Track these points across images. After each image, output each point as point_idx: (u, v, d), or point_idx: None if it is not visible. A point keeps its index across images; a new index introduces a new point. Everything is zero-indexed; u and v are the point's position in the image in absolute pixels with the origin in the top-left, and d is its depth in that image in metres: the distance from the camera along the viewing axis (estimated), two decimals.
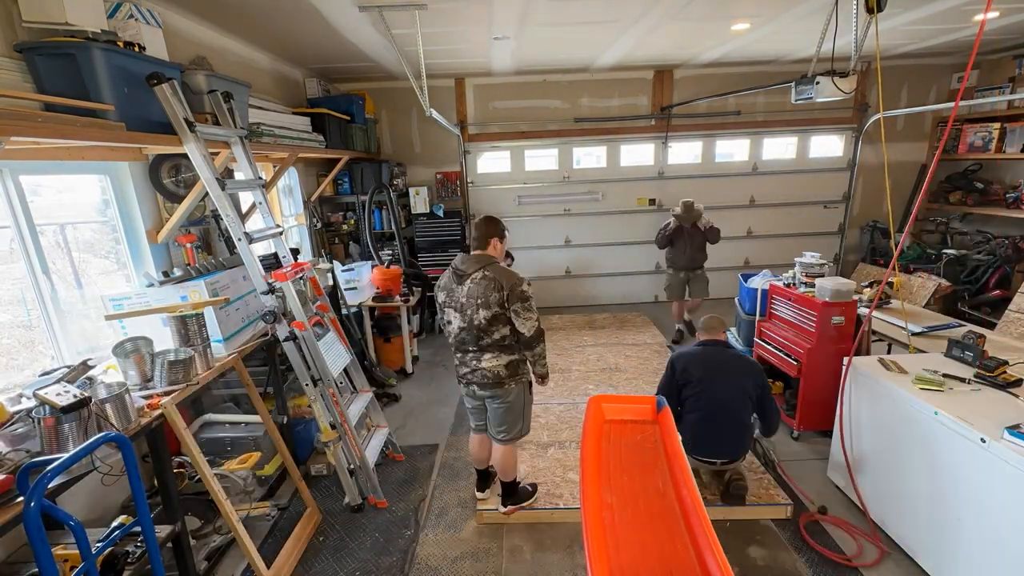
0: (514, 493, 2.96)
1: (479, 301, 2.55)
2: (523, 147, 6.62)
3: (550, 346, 5.52)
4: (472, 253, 2.67)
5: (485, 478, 3.09)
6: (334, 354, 3.14)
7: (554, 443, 3.63)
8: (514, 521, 2.93)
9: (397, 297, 4.87)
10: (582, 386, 4.52)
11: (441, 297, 2.71)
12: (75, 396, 1.79)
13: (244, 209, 3.58)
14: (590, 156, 6.82)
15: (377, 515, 3.06)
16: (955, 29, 4.68)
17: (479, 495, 3.07)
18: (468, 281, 2.58)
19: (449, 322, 2.69)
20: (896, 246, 3.11)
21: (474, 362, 2.67)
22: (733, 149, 6.80)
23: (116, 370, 2.35)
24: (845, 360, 2.91)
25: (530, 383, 2.82)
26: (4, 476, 1.57)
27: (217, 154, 3.01)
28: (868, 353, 3.34)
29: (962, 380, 2.52)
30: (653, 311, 6.74)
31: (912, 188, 6.76)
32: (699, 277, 5.46)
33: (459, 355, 2.73)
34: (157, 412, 2.13)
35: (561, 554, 2.68)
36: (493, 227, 2.70)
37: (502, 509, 2.94)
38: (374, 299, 4.88)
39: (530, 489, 3.04)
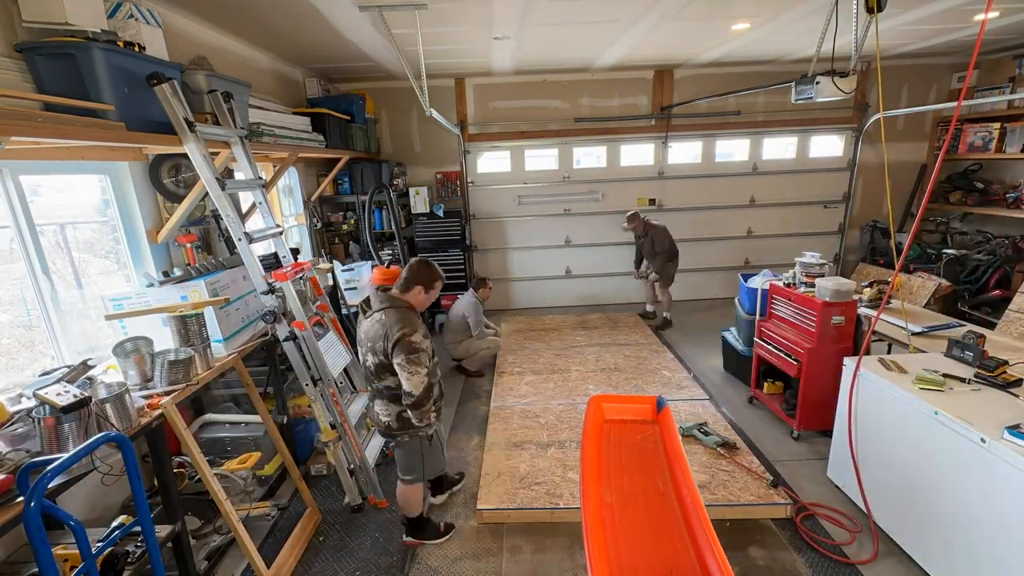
0: (418, 528, 2.79)
1: (369, 344, 2.43)
2: (523, 147, 6.63)
3: (544, 346, 5.54)
4: (391, 291, 2.53)
5: (439, 482, 3.11)
6: (334, 354, 3.14)
7: (554, 443, 3.63)
8: (514, 521, 2.93)
9: None
10: (582, 386, 4.52)
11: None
12: (75, 396, 1.79)
13: (244, 209, 3.58)
14: (590, 156, 6.82)
15: (377, 515, 3.06)
16: (955, 29, 4.67)
17: (431, 499, 3.10)
18: (368, 318, 2.47)
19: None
20: (896, 245, 3.10)
21: (371, 404, 2.59)
22: (733, 149, 6.80)
23: (116, 370, 2.35)
24: (849, 361, 2.91)
25: (430, 437, 2.60)
26: (4, 476, 1.57)
27: (217, 154, 3.01)
28: (868, 353, 3.33)
29: (962, 380, 2.52)
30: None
31: (912, 188, 6.76)
32: (655, 266, 6.01)
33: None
34: (157, 412, 2.13)
35: (561, 554, 2.68)
36: (424, 273, 2.52)
37: (403, 539, 2.81)
38: None
39: (442, 529, 2.84)
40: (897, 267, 2.75)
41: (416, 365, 2.33)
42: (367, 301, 2.53)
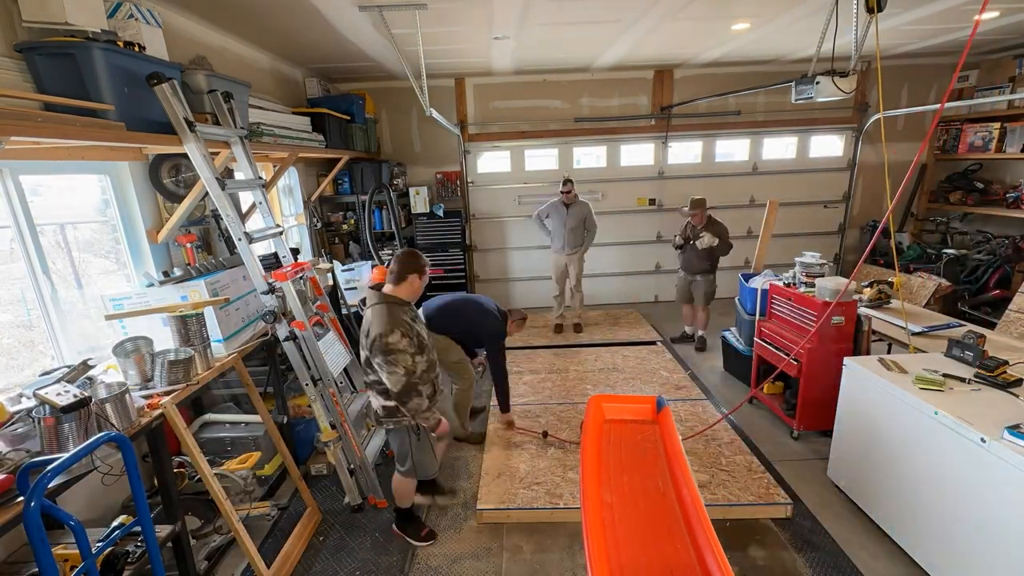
0: (403, 520, 2.85)
1: (362, 339, 2.51)
2: (523, 147, 6.62)
3: (543, 345, 5.52)
4: (383, 287, 2.58)
5: (430, 484, 3.02)
6: (334, 354, 3.14)
7: (554, 443, 3.63)
8: (514, 521, 2.93)
9: None
10: (580, 386, 4.52)
11: None
12: (75, 396, 1.79)
13: (244, 209, 3.58)
14: (590, 156, 6.82)
15: (377, 515, 3.06)
16: (955, 29, 4.67)
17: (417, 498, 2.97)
18: (367, 311, 2.53)
19: None
20: (895, 245, 3.10)
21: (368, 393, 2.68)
22: (733, 149, 6.80)
23: (116, 370, 2.35)
24: (849, 361, 2.91)
25: (417, 427, 2.60)
26: (4, 476, 1.57)
27: (217, 154, 3.01)
28: (868, 353, 3.33)
29: (962, 380, 2.52)
30: (653, 311, 6.75)
31: (913, 188, 6.76)
32: (699, 284, 5.24)
33: None
34: (157, 412, 2.13)
35: (561, 554, 2.68)
36: (417, 261, 2.59)
37: (392, 525, 2.89)
38: None
39: (423, 534, 2.82)
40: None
41: (393, 365, 2.38)
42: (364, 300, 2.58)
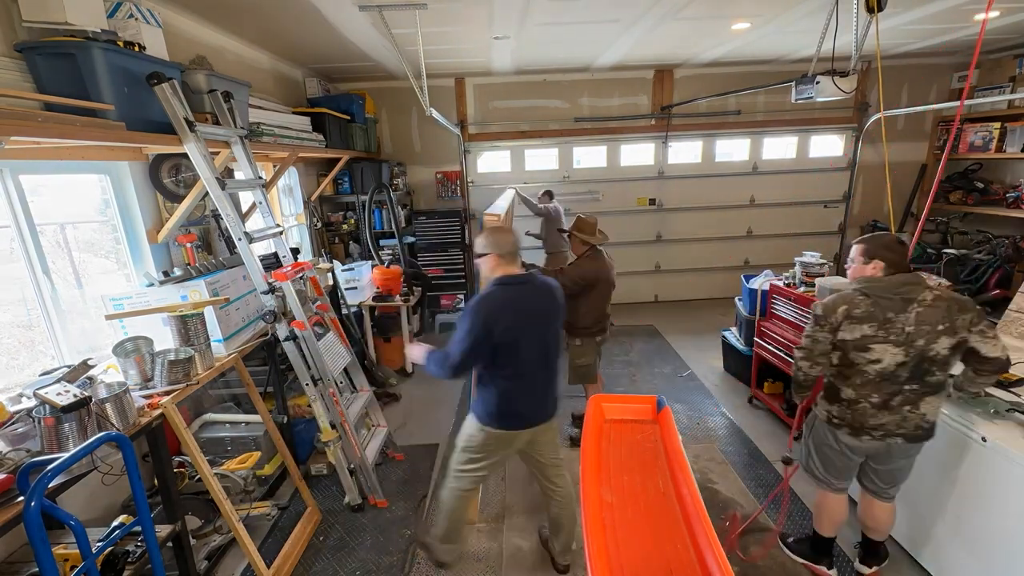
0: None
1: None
2: (523, 147, 6.62)
3: None
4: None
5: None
6: (334, 354, 3.14)
7: None
8: (515, 520, 2.93)
9: (397, 297, 4.87)
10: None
11: None
12: (75, 396, 1.79)
13: (244, 209, 3.58)
14: (590, 156, 6.82)
15: (377, 515, 3.06)
16: (955, 28, 4.67)
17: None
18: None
19: None
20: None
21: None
22: (733, 149, 6.80)
23: (116, 370, 2.35)
24: None
25: None
26: (4, 476, 1.57)
27: (217, 154, 3.01)
28: None
29: None
30: (652, 311, 6.75)
31: (912, 188, 6.76)
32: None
33: None
34: (157, 412, 2.13)
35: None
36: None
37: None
38: (374, 299, 4.88)
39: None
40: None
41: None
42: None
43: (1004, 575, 2.06)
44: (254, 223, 3.19)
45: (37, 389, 1.82)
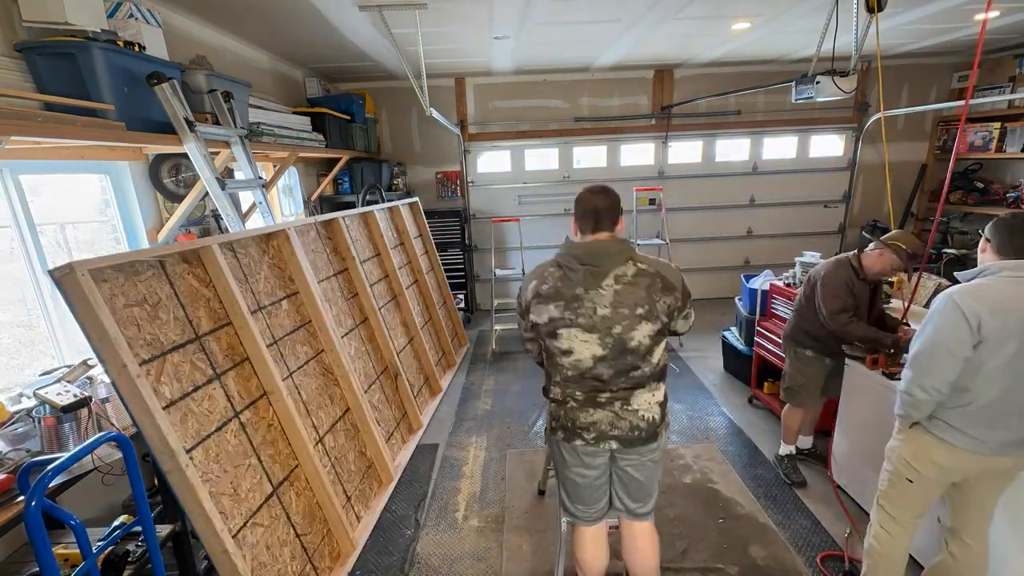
0: None
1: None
2: (523, 147, 6.62)
3: None
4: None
5: None
6: None
7: None
8: (515, 520, 2.93)
9: None
10: None
11: None
12: (75, 395, 1.79)
13: (244, 209, 3.58)
14: (590, 156, 6.82)
15: None
16: (955, 28, 4.67)
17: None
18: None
19: None
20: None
21: None
22: (733, 149, 6.80)
23: None
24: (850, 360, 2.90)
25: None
26: (5, 475, 1.58)
27: (217, 154, 3.01)
28: None
29: None
30: None
31: (912, 188, 6.76)
32: None
33: None
34: None
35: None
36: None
37: None
38: None
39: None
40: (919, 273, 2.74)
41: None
42: None
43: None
44: (254, 223, 3.19)
45: (37, 389, 1.82)
